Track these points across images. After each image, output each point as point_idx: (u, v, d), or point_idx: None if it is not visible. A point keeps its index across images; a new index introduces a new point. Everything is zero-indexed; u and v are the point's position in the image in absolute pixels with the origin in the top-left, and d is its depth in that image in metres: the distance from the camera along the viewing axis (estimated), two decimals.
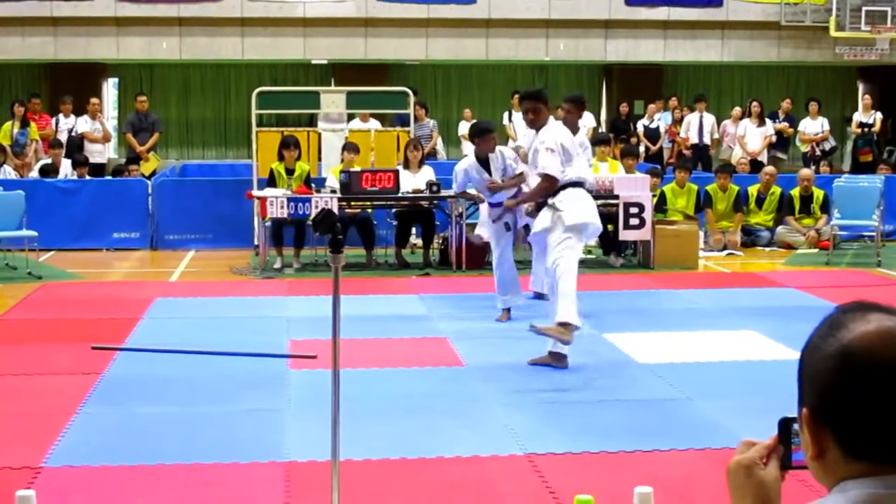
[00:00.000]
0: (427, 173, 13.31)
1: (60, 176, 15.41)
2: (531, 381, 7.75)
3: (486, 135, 10.24)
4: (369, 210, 13.48)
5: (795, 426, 1.73)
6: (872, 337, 1.61)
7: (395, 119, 17.22)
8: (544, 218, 8.37)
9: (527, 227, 9.89)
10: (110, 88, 23.33)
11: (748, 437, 1.83)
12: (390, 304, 10.72)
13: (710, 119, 19.62)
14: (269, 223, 12.86)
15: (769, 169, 15.89)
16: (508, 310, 9.94)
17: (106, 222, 14.59)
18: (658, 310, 10.48)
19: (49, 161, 15.74)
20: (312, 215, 11.51)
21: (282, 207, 12.42)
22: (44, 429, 6.53)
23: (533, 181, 8.64)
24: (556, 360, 8.12)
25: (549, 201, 8.37)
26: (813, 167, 17.21)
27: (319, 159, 14.66)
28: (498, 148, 10.37)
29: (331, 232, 4.80)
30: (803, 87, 24.18)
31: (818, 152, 19.13)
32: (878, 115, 19.67)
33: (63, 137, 17.17)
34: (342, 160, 13.50)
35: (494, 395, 7.40)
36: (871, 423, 1.58)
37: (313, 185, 13.19)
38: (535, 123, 8.46)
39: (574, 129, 9.72)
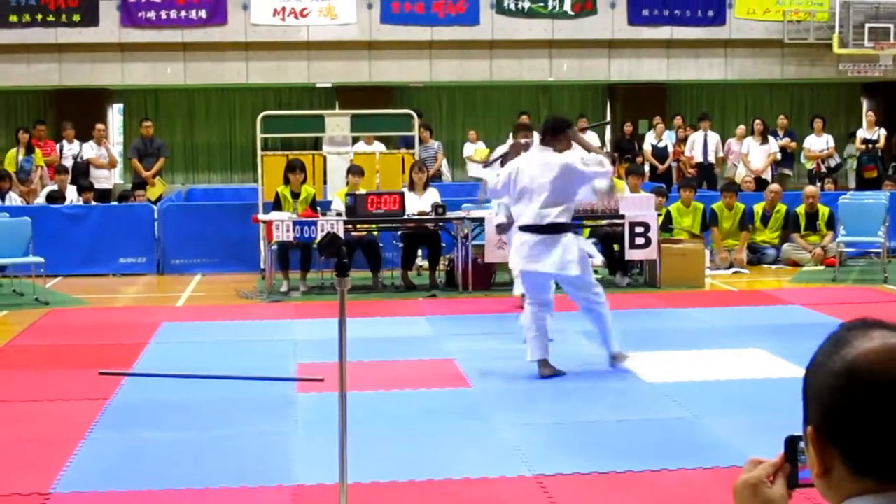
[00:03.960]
0: (432, 195, 13.32)
1: (67, 202, 15.45)
2: (538, 402, 7.75)
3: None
4: (375, 233, 13.49)
5: (802, 444, 1.73)
6: (877, 354, 1.61)
7: (400, 141, 17.25)
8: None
9: None
10: (115, 114, 23.40)
11: (755, 456, 1.83)
12: (397, 327, 10.71)
13: (714, 137, 19.63)
14: (275, 247, 12.87)
15: (774, 186, 15.87)
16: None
17: (112, 247, 14.61)
18: (665, 329, 10.47)
19: (55, 187, 15.78)
20: (318, 239, 11.53)
21: (287, 231, 12.43)
22: (52, 455, 6.53)
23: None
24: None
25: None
26: (818, 184, 17.21)
27: (325, 182, 14.67)
28: None
29: (336, 255, 4.82)
30: (807, 105, 24.17)
31: (823, 169, 19.13)
32: (882, 132, 19.67)
33: (68, 163, 17.21)
34: (347, 183, 13.52)
35: (502, 416, 7.39)
36: (877, 440, 1.58)
37: (319, 208, 13.21)
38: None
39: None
